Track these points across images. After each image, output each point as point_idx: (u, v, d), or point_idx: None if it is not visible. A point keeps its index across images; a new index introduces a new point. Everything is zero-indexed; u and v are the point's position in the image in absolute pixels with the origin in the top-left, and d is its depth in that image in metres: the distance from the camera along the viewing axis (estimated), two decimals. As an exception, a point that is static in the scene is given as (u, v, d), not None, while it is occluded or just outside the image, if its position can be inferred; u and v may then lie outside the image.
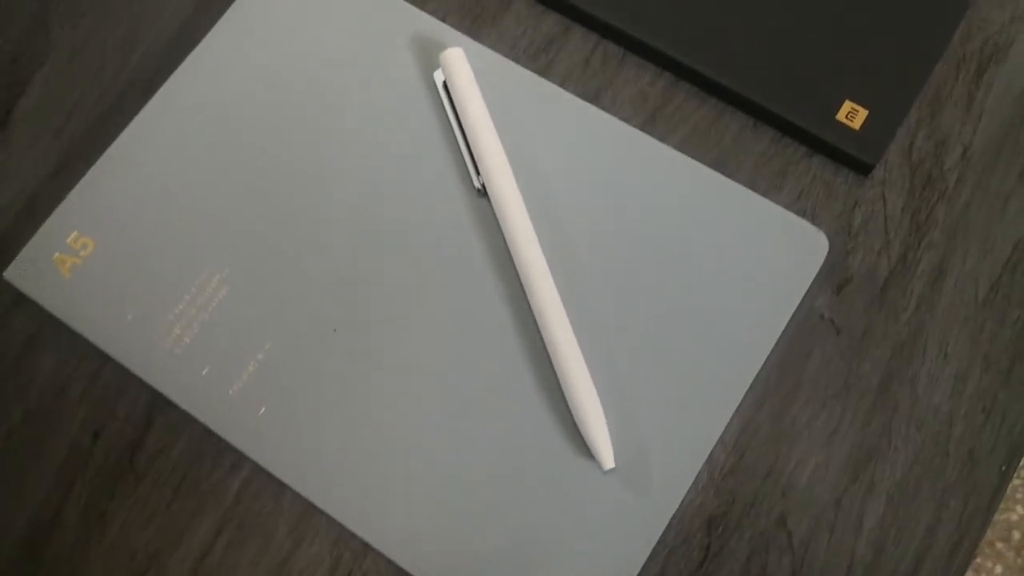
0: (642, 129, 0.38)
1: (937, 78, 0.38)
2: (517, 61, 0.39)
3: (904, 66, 0.37)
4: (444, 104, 0.37)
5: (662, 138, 0.38)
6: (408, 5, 0.39)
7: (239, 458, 0.35)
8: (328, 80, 0.38)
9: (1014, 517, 0.92)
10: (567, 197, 0.36)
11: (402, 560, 0.32)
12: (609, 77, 0.39)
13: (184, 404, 0.34)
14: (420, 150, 0.37)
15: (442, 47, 0.38)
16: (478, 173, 0.36)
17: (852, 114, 0.37)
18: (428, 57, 0.38)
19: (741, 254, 0.35)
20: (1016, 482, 0.93)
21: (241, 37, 0.39)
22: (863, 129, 0.36)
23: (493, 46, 0.39)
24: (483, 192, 0.36)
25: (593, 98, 0.39)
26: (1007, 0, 0.39)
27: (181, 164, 0.37)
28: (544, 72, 0.39)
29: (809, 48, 0.38)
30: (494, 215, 0.36)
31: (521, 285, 0.35)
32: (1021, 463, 0.37)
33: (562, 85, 0.39)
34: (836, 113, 0.37)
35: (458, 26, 0.40)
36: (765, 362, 0.34)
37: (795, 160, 0.37)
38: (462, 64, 0.37)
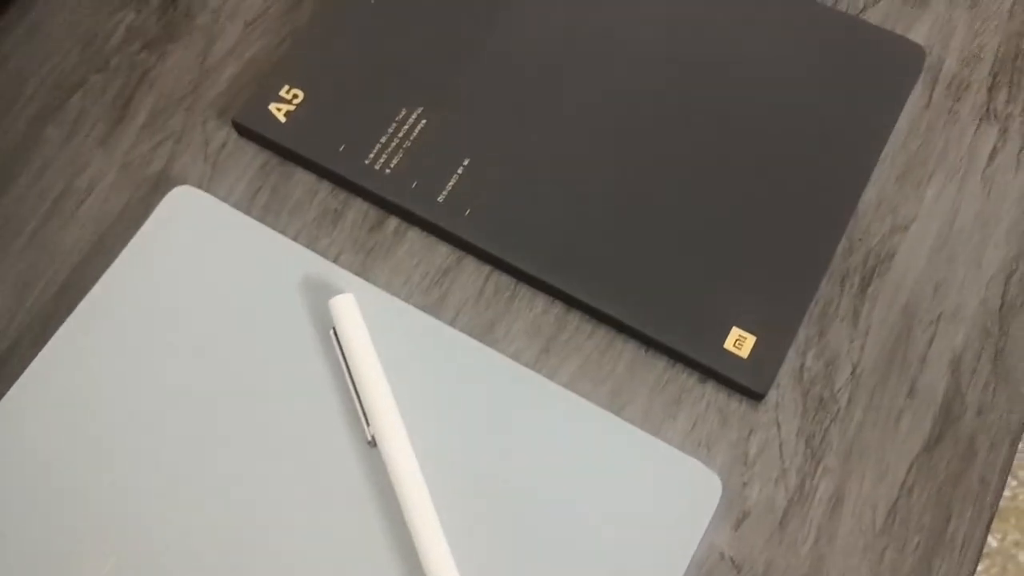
0: (536, 359, 0.38)
1: (824, 294, 0.39)
2: (412, 294, 0.39)
3: (789, 286, 0.38)
4: (336, 351, 0.37)
5: (556, 368, 0.38)
6: (300, 247, 0.39)
7: None
8: (220, 324, 0.38)
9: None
10: (459, 441, 0.36)
11: None
12: (502, 308, 0.39)
13: None
14: (311, 397, 0.37)
15: (333, 290, 0.39)
16: (368, 424, 0.36)
17: (740, 342, 0.37)
18: (320, 301, 0.38)
19: (635, 497, 0.35)
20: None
21: (134, 280, 0.39)
22: (751, 357, 0.37)
23: (387, 280, 0.40)
24: (375, 443, 0.36)
25: (488, 329, 0.39)
26: (886, 211, 0.41)
27: (72, 419, 0.37)
28: (439, 304, 0.39)
29: (695, 277, 0.38)
30: (386, 467, 0.35)
31: (412, 539, 0.34)
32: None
33: (456, 317, 0.39)
34: (724, 342, 0.37)
35: (351, 262, 0.40)
36: (667, 608, 0.34)
37: (689, 387, 0.38)
38: (352, 311, 0.37)
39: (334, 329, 0.37)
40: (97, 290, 0.39)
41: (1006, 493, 1.20)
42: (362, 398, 0.36)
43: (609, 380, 0.38)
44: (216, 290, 0.39)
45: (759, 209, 0.39)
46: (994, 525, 1.15)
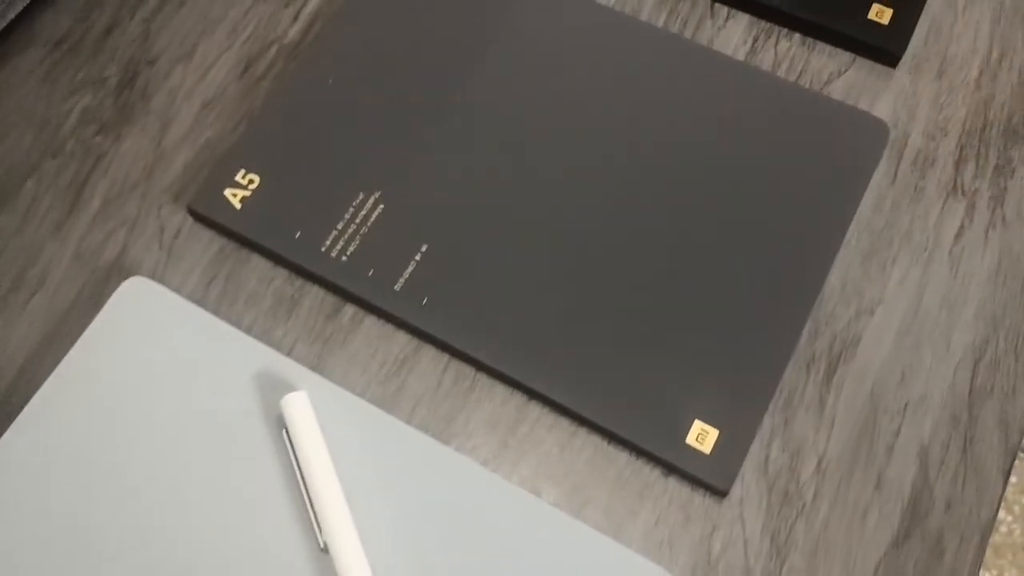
0: (496, 454, 0.37)
1: (789, 382, 0.38)
2: (368, 386, 0.39)
3: (753, 375, 0.37)
4: (288, 450, 0.36)
5: (515, 463, 0.37)
6: (253, 340, 0.39)
7: None
8: (172, 423, 0.37)
9: None
10: (414, 546, 0.35)
11: None
12: (461, 399, 0.38)
13: None
14: (264, 498, 0.36)
15: (287, 386, 0.38)
16: (321, 531, 0.35)
17: (702, 436, 0.36)
18: (273, 397, 0.38)
19: (595, 603, 0.34)
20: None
21: (84, 378, 0.38)
22: (715, 451, 0.36)
23: (343, 372, 0.39)
24: (327, 550, 0.35)
25: (446, 422, 0.38)
26: (851, 294, 0.40)
27: (18, 522, 0.36)
28: (396, 396, 0.38)
29: (656, 368, 0.37)
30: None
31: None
32: None
33: (414, 410, 0.38)
34: (686, 436, 0.36)
35: (307, 353, 0.39)
36: None
37: (651, 482, 0.37)
38: (304, 411, 0.36)
39: (286, 429, 0.36)
40: (46, 389, 0.38)
41: (1002, 529, 1.19)
42: (314, 503, 0.35)
43: (570, 476, 0.37)
44: (168, 388, 0.38)
45: (721, 295, 0.39)
46: (989, 560, 1.14)
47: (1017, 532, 1.18)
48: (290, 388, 0.38)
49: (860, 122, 0.42)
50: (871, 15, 0.45)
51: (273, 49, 0.46)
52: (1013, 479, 1.18)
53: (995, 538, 1.17)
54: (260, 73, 0.45)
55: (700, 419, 0.37)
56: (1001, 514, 1.16)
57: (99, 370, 0.38)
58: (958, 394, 0.38)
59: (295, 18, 0.47)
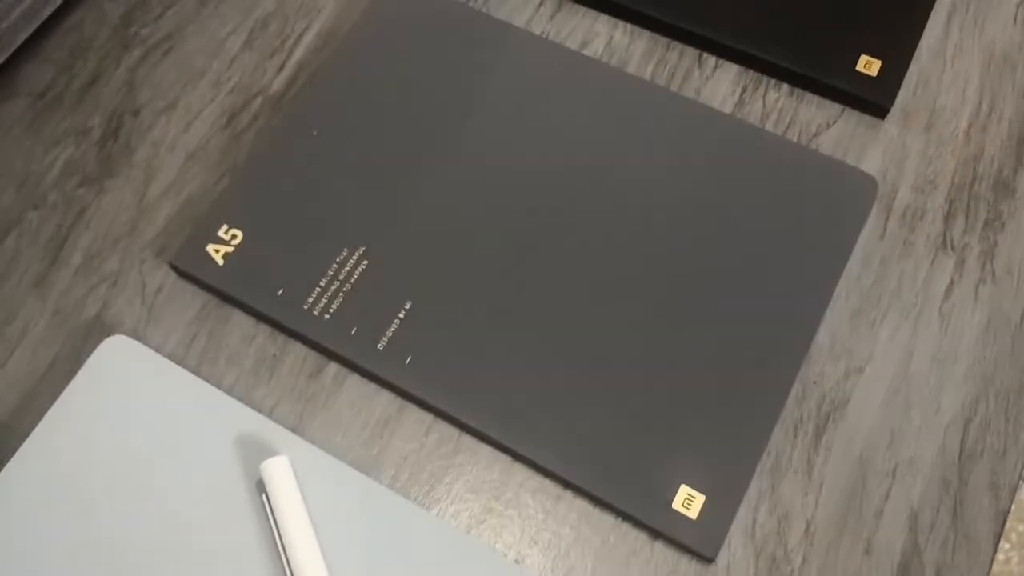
0: (480, 519, 0.37)
1: (776, 444, 0.38)
2: (351, 447, 0.38)
3: (740, 438, 0.37)
4: (268, 515, 0.36)
5: (500, 530, 0.37)
6: (234, 402, 0.38)
7: None
8: (153, 484, 0.37)
9: None
10: (398, 614, 0.34)
11: None
12: (445, 462, 0.38)
13: None
14: (244, 563, 0.35)
15: (267, 449, 0.37)
16: (301, 601, 0.34)
17: (688, 501, 0.36)
18: (254, 460, 0.37)
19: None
20: None
21: (63, 439, 0.37)
22: (701, 516, 0.35)
23: (325, 433, 0.38)
24: (307, 620, 0.34)
25: (429, 486, 0.37)
26: (840, 353, 0.39)
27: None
28: (379, 458, 0.38)
29: (642, 432, 0.37)
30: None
31: None
32: None
33: (397, 473, 0.38)
34: (672, 501, 0.36)
35: (288, 414, 0.39)
36: None
37: (638, 548, 0.36)
38: (284, 475, 0.36)
39: (266, 495, 0.36)
40: (25, 448, 0.37)
41: (999, 556, 1.18)
42: (294, 570, 0.34)
43: (555, 542, 0.36)
44: (148, 448, 0.37)
45: (708, 356, 0.38)
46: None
47: (1015, 560, 1.18)
48: (271, 451, 0.37)
49: (848, 177, 0.42)
50: (859, 67, 0.44)
51: (258, 100, 0.46)
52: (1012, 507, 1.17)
53: (993, 567, 1.16)
54: (244, 124, 0.45)
55: (686, 484, 0.36)
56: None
57: (78, 431, 0.38)
58: (948, 456, 0.37)
59: (280, 68, 0.47)
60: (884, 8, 0.46)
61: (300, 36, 0.48)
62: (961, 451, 0.38)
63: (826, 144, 0.44)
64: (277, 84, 0.46)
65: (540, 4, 0.48)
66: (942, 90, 0.45)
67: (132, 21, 0.48)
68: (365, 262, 0.40)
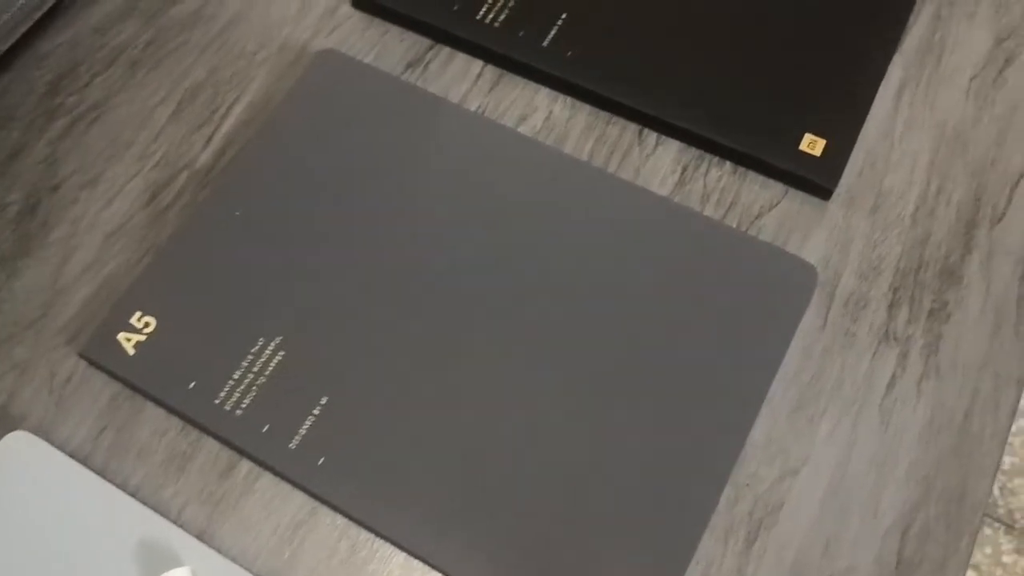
0: (392, 631, 0.35)
1: (705, 554, 0.36)
2: (259, 554, 0.36)
3: (665, 547, 0.35)
4: (166, 632, 0.34)
5: (414, 642, 0.35)
6: (138, 505, 0.36)
7: None
8: (49, 595, 0.35)
9: None
10: None
11: None
12: (357, 571, 0.36)
13: None
14: None
15: (170, 559, 0.35)
16: None
17: (608, 618, 0.34)
18: (157, 568, 0.35)
19: None
20: None
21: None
22: (621, 635, 0.34)
23: (234, 538, 0.36)
24: None
25: (341, 594, 0.36)
26: (775, 453, 0.38)
27: None
28: (288, 566, 0.36)
29: (563, 546, 0.35)
30: None
31: None
32: None
33: (308, 579, 0.36)
34: (591, 619, 0.34)
35: (196, 516, 0.37)
36: None
37: (555, 666, 0.34)
38: (183, 590, 0.34)
39: (165, 610, 0.34)
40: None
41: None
42: None
43: (469, 657, 0.35)
44: (45, 557, 0.35)
45: (634, 457, 0.36)
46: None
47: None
48: (174, 561, 0.35)
49: (787, 266, 0.40)
50: (803, 146, 0.43)
51: (183, 175, 0.44)
52: (988, 549, 1.15)
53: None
54: (168, 202, 0.44)
55: (607, 599, 0.34)
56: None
57: (-26, 535, 0.36)
58: (885, 566, 0.36)
59: (208, 141, 0.45)
60: (829, 85, 0.44)
61: (230, 107, 0.46)
62: (899, 561, 0.36)
63: (769, 226, 0.42)
64: (204, 158, 0.45)
65: (479, 76, 0.47)
66: (889, 170, 0.44)
67: (59, 90, 0.47)
68: (281, 353, 0.39)
